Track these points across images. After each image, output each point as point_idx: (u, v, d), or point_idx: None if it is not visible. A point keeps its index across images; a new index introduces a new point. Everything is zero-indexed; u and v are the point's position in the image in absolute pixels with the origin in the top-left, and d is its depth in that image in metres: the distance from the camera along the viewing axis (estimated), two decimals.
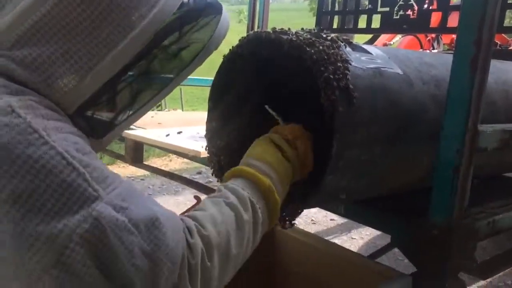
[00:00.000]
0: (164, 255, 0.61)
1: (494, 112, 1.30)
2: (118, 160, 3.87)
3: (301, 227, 4.13)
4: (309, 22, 2.71)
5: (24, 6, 0.63)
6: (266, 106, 1.07)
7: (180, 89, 13.13)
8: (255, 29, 2.97)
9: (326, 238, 3.89)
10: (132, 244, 0.58)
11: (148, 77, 0.81)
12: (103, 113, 0.78)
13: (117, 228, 0.58)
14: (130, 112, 0.79)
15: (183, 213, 0.78)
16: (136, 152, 2.42)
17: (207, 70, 1.10)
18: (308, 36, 0.97)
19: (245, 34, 1.12)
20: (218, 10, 0.81)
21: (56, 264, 0.55)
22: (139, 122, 3.01)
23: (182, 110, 11.03)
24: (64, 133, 0.61)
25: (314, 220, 4.39)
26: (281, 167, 0.90)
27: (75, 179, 0.57)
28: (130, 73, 0.76)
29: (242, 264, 0.79)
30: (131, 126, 2.83)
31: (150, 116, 3.17)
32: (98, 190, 0.59)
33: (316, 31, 1.03)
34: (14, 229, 0.54)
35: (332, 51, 0.95)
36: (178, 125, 2.67)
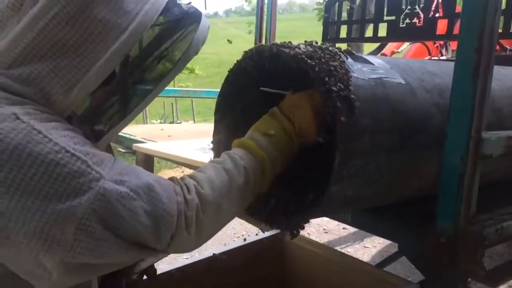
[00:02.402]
0: (162, 211, 0.76)
1: (500, 119, 1.30)
2: None
3: (313, 236, 4.15)
4: (318, 31, 2.73)
5: (16, 32, 0.73)
6: (263, 89, 1.12)
7: (192, 100, 13.25)
8: (263, 40, 2.99)
9: (339, 247, 3.90)
10: (136, 207, 0.73)
11: (135, 84, 0.90)
12: (95, 120, 0.88)
13: (121, 197, 0.71)
14: (120, 118, 0.87)
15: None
16: (147, 165, 2.45)
17: (220, 84, 1.14)
18: (310, 48, 0.99)
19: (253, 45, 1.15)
20: (197, 18, 0.88)
21: (76, 230, 0.68)
22: (149, 135, 3.07)
23: (194, 122, 11.11)
24: (62, 131, 0.72)
25: (326, 229, 4.38)
26: (277, 137, 1.00)
27: (80, 166, 0.69)
28: (118, 81, 0.86)
29: (232, 216, 0.96)
30: (141, 139, 2.87)
31: (160, 129, 3.22)
32: (100, 171, 0.71)
33: (317, 43, 1.04)
34: (34, 214, 0.66)
35: (334, 62, 0.96)
36: (188, 137, 2.69)
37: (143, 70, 0.90)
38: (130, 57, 0.86)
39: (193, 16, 0.89)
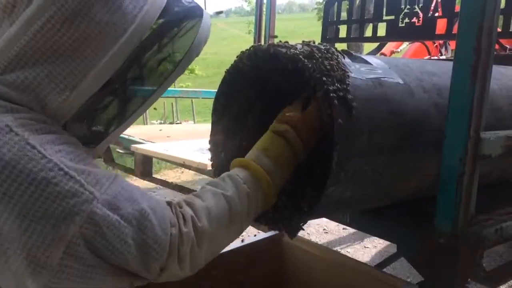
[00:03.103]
0: (153, 242, 0.73)
1: (500, 119, 1.29)
2: (129, 174, 3.91)
3: (313, 236, 4.15)
4: (318, 31, 2.73)
5: (10, 35, 0.70)
6: None
7: (192, 101, 13.25)
8: (262, 40, 2.99)
9: (339, 248, 3.89)
10: (126, 236, 0.69)
11: (135, 87, 0.87)
12: (93, 124, 0.85)
13: (110, 224, 0.68)
14: (120, 122, 0.84)
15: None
16: (145, 166, 2.45)
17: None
18: (307, 48, 0.99)
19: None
20: (197, 17, 0.85)
21: (63, 254, 0.65)
22: (148, 136, 3.07)
23: (194, 122, 11.11)
24: (59, 145, 0.69)
25: (326, 229, 4.37)
26: (279, 152, 0.96)
27: (72, 186, 0.66)
28: (118, 84, 0.82)
29: (230, 243, 0.92)
30: (140, 140, 2.87)
31: (159, 129, 3.21)
32: (93, 192, 0.67)
33: (315, 43, 1.04)
34: (22, 235, 0.63)
35: (331, 62, 0.96)
36: (187, 138, 2.69)
37: (144, 72, 0.86)
38: (131, 58, 0.81)
39: (195, 14, 0.85)
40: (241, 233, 0.92)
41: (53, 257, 0.64)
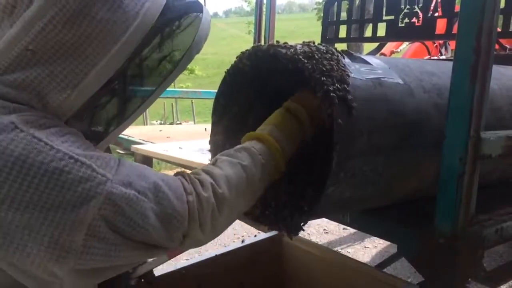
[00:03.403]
0: (171, 211, 0.75)
1: (500, 119, 1.29)
2: None
3: (313, 237, 4.15)
4: (318, 31, 2.73)
5: (10, 37, 0.70)
6: None
7: (192, 101, 13.26)
8: (262, 40, 2.99)
9: (339, 248, 3.89)
10: (145, 209, 0.71)
11: (135, 86, 0.87)
12: (94, 123, 0.86)
13: (128, 200, 0.69)
14: (120, 120, 0.85)
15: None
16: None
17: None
18: (307, 48, 0.99)
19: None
20: (197, 14, 0.86)
21: (85, 237, 0.66)
22: (148, 137, 3.07)
23: (194, 123, 11.12)
24: (63, 136, 0.70)
25: (326, 229, 4.37)
26: (290, 128, 1.01)
27: (85, 171, 0.67)
28: (118, 83, 0.83)
29: (246, 209, 0.95)
30: (140, 141, 2.87)
31: (159, 130, 3.21)
32: (106, 174, 0.69)
33: (315, 43, 1.04)
34: (41, 225, 0.64)
35: (331, 63, 0.96)
36: (187, 138, 2.69)
37: (144, 70, 0.87)
38: (136, 57, 0.82)
39: (195, 11, 0.86)
40: (256, 200, 0.96)
41: (76, 241, 0.66)
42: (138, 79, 0.87)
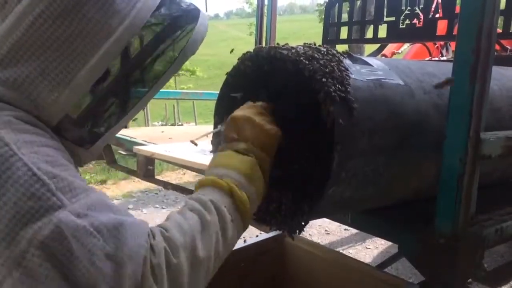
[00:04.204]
0: (126, 256, 0.63)
1: (499, 119, 1.30)
2: (131, 176, 3.92)
3: (315, 237, 4.15)
4: (319, 33, 2.73)
5: (3, 30, 0.69)
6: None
7: (193, 102, 13.27)
8: (263, 41, 3.00)
9: (341, 249, 3.89)
10: (94, 247, 0.61)
11: (129, 86, 0.87)
12: (88, 124, 0.84)
13: (78, 233, 0.60)
14: (115, 121, 0.84)
15: None
16: (148, 167, 2.45)
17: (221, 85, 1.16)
18: (308, 50, 0.99)
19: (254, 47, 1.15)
20: (195, 17, 0.86)
21: (18, 267, 0.57)
22: (150, 138, 3.08)
23: (196, 124, 11.13)
24: (37, 147, 0.65)
25: (328, 230, 4.38)
26: (239, 163, 0.90)
27: (38, 189, 0.60)
28: (112, 83, 0.82)
29: (217, 267, 0.79)
30: (142, 142, 2.88)
31: (161, 131, 3.23)
32: (62, 200, 0.61)
33: (315, 45, 1.05)
34: None
35: (332, 64, 0.97)
36: (189, 139, 2.69)
37: (138, 70, 0.87)
38: (128, 57, 0.83)
39: (191, 15, 0.86)
40: (231, 243, 0.85)
41: (7, 265, 0.57)
42: (132, 79, 0.88)
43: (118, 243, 0.63)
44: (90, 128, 0.84)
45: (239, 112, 0.99)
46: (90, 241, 0.61)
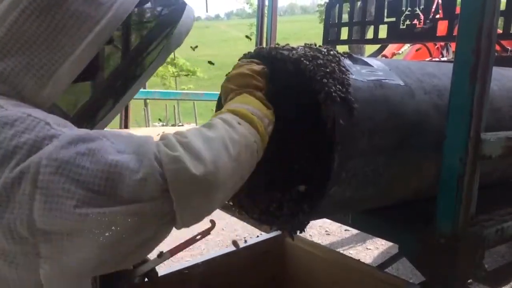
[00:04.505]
0: (137, 146, 0.71)
1: (499, 119, 1.30)
2: None
3: (315, 238, 4.15)
4: (320, 33, 2.73)
5: None
6: None
7: (194, 103, 13.28)
8: (264, 42, 3.00)
9: (341, 249, 3.89)
10: (104, 146, 0.67)
11: (116, 77, 0.88)
12: (75, 117, 0.86)
13: (83, 140, 0.66)
14: (102, 114, 0.86)
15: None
16: None
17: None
18: (309, 51, 1.00)
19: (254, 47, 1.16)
20: (179, 9, 0.87)
21: (36, 189, 0.62)
22: None
23: (196, 124, 11.14)
24: (27, 108, 0.70)
25: (328, 231, 4.37)
26: (232, 102, 0.93)
27: (38, 122, 0.66)
28: (98, 74, 0.85)
29: (240, 150, 0.79)
30: None
31: (161, 131, 3.23)
32: (62, 130, 0.67)
33: (316, 45, 1.05)
34: None
35: (332, 64, 0.97)
36: None
37: (123, 62, 0.89)
38: (108, 48, 0.85)
39: (176, 7, 0.88)
40: (246, 140, 0.83)
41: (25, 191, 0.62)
42: (118, 70, 0.89)
43: (125, 141, 0.70)
44: (77, 121, 0.84)
45: None
46: (97, 143, 0.66)
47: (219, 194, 0.75)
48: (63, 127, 0.68)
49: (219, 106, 1.20)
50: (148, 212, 0.67)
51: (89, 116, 0.87)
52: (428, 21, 2.16)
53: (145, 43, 0.88)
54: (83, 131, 0.68)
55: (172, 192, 0.68)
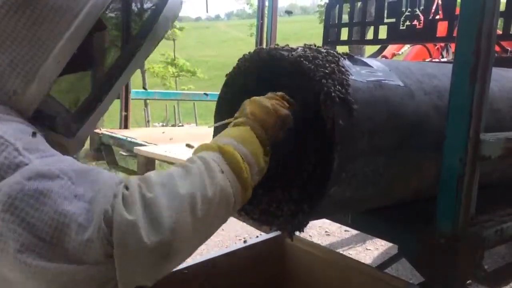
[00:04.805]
0: (95, 193, 0.65)
1: (499, 120, 1.30)
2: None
3: (315, 238, 4.15)
4: (320, 33, 2.73)
5: None
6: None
7: (194, 103, 13.29)
8: (264, 42, 3.00)
9: (341, 250, 3.89)
10: (62, 189, 0.63)
11: (104, 67, 0.88)
12: (66, 111, 0.84)
13: (42, 177, 0.62)
14: (93, 107, 0.84)
15: None
16: (148, 168, 2.46)
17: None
18: (308, 51, 1.00)
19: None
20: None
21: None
22: (150, 139, 3.09)
23: (196, 125, 11.14)
24: (8, 124, 0.67)
25: (328, 231, 4.37)
26: (231, 131, 0.89)
27: (4, 149, 0.63)
28: (85, 65, 0.83)
29: (212, 211, 0.73)
30: (143, 143, 2.88)
31: (161, 132, 3.24)
32: (29, 157, 0.64)
33: (315, 46, 1.05)
34: None
35: (332, 65, 0.97)
36: (189, 140, 2.70)
37: (110, 52, 0.88)
38: (93, 38, 0.83)
39: None
40: (220, 189, 0.76)
41: None
42: (105, 60, 0.88)
43: (86, 183, 0.65)
44: (67, 116, 0.83)
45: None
46: (56, 183, 0.62)
47: (171, 262, 0.72)
48: (33, 152, 0.65)
49: (219, 107, 1.20)
50: (92, 276, 0.63)
51: (83, 107, 0.85)
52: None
53: (131, 30, 0.86)
54: (45, 165, 0.64)
55: (116, 259, 0.63)
